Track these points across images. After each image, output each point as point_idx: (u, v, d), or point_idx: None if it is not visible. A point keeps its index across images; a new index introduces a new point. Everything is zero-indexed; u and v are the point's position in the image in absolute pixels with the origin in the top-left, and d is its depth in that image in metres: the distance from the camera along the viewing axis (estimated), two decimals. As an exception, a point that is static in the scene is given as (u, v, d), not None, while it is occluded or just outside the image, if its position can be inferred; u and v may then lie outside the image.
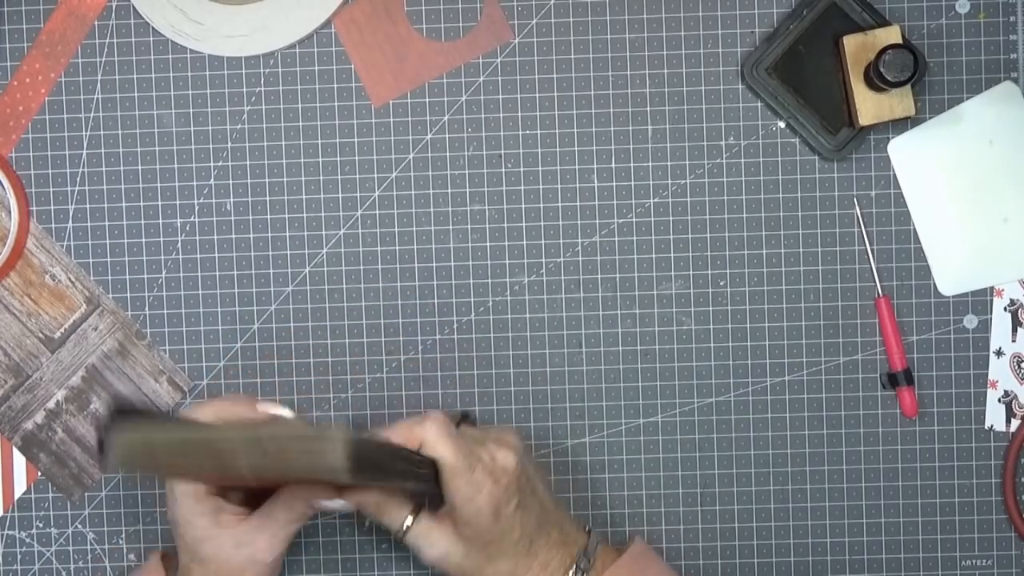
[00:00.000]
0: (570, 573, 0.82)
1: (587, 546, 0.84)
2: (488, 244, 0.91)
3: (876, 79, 0.85)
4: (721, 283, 0.91)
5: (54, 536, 0.92)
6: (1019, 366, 0.90)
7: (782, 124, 0.90)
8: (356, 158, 0.91)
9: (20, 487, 0.92)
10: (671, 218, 0.91)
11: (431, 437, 0.80)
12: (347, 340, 0.91)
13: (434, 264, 0.91)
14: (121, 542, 0.92)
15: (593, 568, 0.83)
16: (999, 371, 0.90)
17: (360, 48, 0.89)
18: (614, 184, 0.90)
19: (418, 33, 0.90)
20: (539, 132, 0.91)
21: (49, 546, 0.92)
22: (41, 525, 0.92)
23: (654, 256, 0.91)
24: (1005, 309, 0.90)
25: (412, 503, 0.82)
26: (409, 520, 0.82)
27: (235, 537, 0.80)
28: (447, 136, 0.91)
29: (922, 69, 0.87)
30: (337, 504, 0.81)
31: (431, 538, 0.82)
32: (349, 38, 0.88)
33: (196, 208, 0.91)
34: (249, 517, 0.81)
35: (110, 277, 0.91)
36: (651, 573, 0.84)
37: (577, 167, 0.91)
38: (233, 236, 0.91)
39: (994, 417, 0.90)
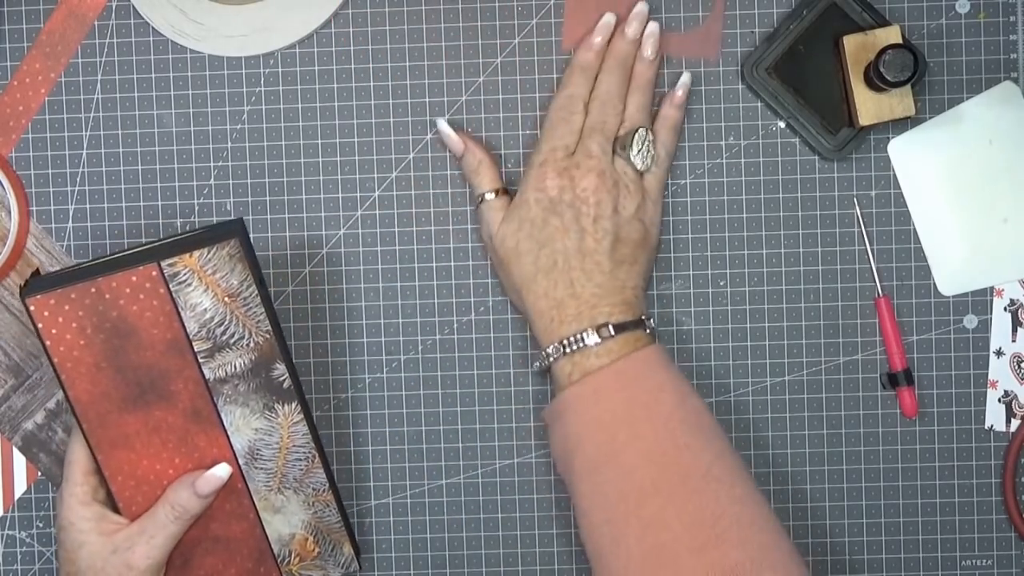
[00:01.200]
0: (606, 322, 0.82)
1: (644, 313, 0.84)
2: (488, 244, 0.91)
3: (876, 79, 0.85)
4: (721, 283, 0.91)
5: (54, 536, 0.92)
6: (1019, 366, 0.90)
7: (782, 124, 0.90)
8: (356, 158, 0.91)
9: (20, 487, 0.92)
10: (671, 218, 0.91)
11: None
12: (347, 340, 0.91)
13: (434, 264, 0.91)
14: (121, 542, 0.92)
15: (613, 339, 0.82)
16: (999, 371, 0.90)
17: None
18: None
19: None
20: (539, 132, 0.90)
21: (49, 546, 0.92)
22: (41, 525, 0.92)
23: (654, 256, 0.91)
24: (1005, 309, 0.90)
25: (501, 185, 0.88)
26: (491, 195, 0.87)
27: (113, 543, 0.80)
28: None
29: (922, 69, 0.87)
30: (223, 472, 0.82)
31: (494, 215, 0.86)
32: None
33: (196, 208, 0.91)
34: (131, 524, 0.82)
35: (110, 277, 0.91)
36: (661, 374, 0.81)
37: (577, 167, 0.91)
38: (233, 236, 0.91)
39: (994, 417, 0.90)
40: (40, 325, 0.79)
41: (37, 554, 0.92)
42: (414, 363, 0.91)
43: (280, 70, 0.91)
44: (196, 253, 0.79)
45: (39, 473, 0.92)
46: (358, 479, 0.91)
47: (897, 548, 0.91)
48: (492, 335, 0.91)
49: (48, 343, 0.79)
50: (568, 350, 0.82)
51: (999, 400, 0.90)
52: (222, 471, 0.82)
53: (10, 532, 0.92)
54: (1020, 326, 0.90)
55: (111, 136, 0.91)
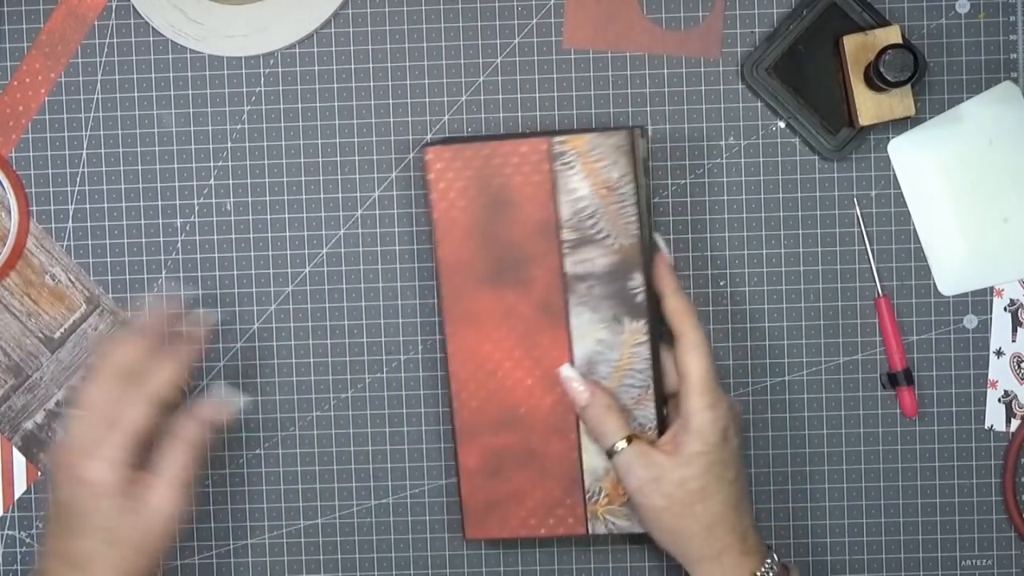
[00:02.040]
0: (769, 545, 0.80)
1: (769, 562, 0.81)
2: (488, 244, 0.91)
3: (876, 79, 0.85)
4: (721, 283, 0.91)
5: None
6: (1019, 366, 0.90)
7: (782, 124, 0.90)
8: (356, 158, 0.91)
9: (20, 487, 0.92)
10: (671, 218, 0.91)
11: (689, 343, 0.81)
12: (347, 340, 0.91)
13: (434, 264, 0.91)
14: (121, 542, 0.92)
15: None
16: (999, 371, 0.90)
17: None
18: (614, 184, 0.90)
19: (639, 5, 0.90)
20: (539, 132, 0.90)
21: (49, 546, 0.92)
22: (41, 525, 0.92)
23: (654, 256, 0.91)
24: (1005, 309, 0.90)
25: (630, 428, 0.82)
26: (623, 443, 0.81)
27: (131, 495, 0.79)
28: (447, 136, 0.91)
29: (922, 69, 0.87)
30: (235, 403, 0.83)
31: (647, 459, 0.80)
32: None
33: (196, 208, 0.91)
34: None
35: (110, 277, 0.91)
36: None
37: (577, 167, 0.91)
38: (233, 236, 0.91)
39: (994, 417, 0.90)
40: (431, 176, 0.83)
41: (37, 554, 0.92)
42: (414, 363, 0.91)
43: (280, 70, 0.91)
44: (586, 136, 0.82)
45: (39, 473, 0.92)
46: (358, 479, 0.91)
47: (897, 548, 0.91)
48: (492, 335, 0.91)
49: (433, 196, 0.83)
50: None
51: (999, 400, 0.90)
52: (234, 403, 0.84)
53: (10, 532, 0.92)
54: (1020, 326, 0.90)
55: (111, 136, 0.91)
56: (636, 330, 0.82)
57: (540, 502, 0.85)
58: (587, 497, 0.85)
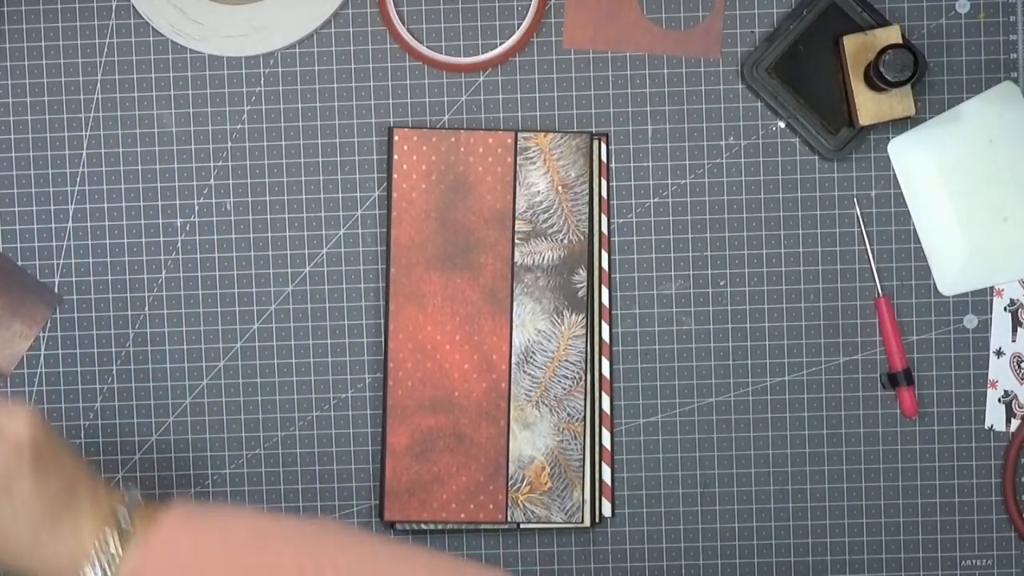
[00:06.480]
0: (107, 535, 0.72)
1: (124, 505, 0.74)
2: (488, 244, 0.91)
3: (876, 79, 0.85)
4: (721, 283, 0.91)
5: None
6: (1019, 366, 0.90)
7: (782, 124, 0.91)
8: (356, 158, 0.91)
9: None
10: (671, 218, 0.91)
11: None
12: (347, 340, 0.91)
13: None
14: (121, 542, 0.92)
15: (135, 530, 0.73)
16: (999, 371, 0.90)
17: None
18: (614, 184, 0.90)
19: (639, 5, 0.90)
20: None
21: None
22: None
23: (654, 256, 0.91)
24: (1005, 309, 0.90)
25: None
26: None
27: None
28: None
29: (922, 69, 0.87)
30: None
31: None
32: None
33: (196, 208, 0.91)
34: None
35: (110, 277, 0.91)
36: (207, 527, 0.73)
37: (577, 167, 0.91)
38: (233, 236, 0.91)
39: (994, 417, 0.90)
40: (396, 156, 0.87)
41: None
42: (414, 363, 0.91)
43: (280, 70, 0.91)
44: (550, 135, 0.87)
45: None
46: (359, 479, 0.91)
47: (897, 548, 0.91)
48: (492, 335, 0.91)
49: (396, 176, 0.87)
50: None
51: (999, 400, 0.90)
52: None
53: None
54: (1020, 326, 0.90)
55: (111, 136, 0.91)
56: (575, 323, 0.87)
57: (463, 487, 0.87)
58: (509, 484, 0.87)
